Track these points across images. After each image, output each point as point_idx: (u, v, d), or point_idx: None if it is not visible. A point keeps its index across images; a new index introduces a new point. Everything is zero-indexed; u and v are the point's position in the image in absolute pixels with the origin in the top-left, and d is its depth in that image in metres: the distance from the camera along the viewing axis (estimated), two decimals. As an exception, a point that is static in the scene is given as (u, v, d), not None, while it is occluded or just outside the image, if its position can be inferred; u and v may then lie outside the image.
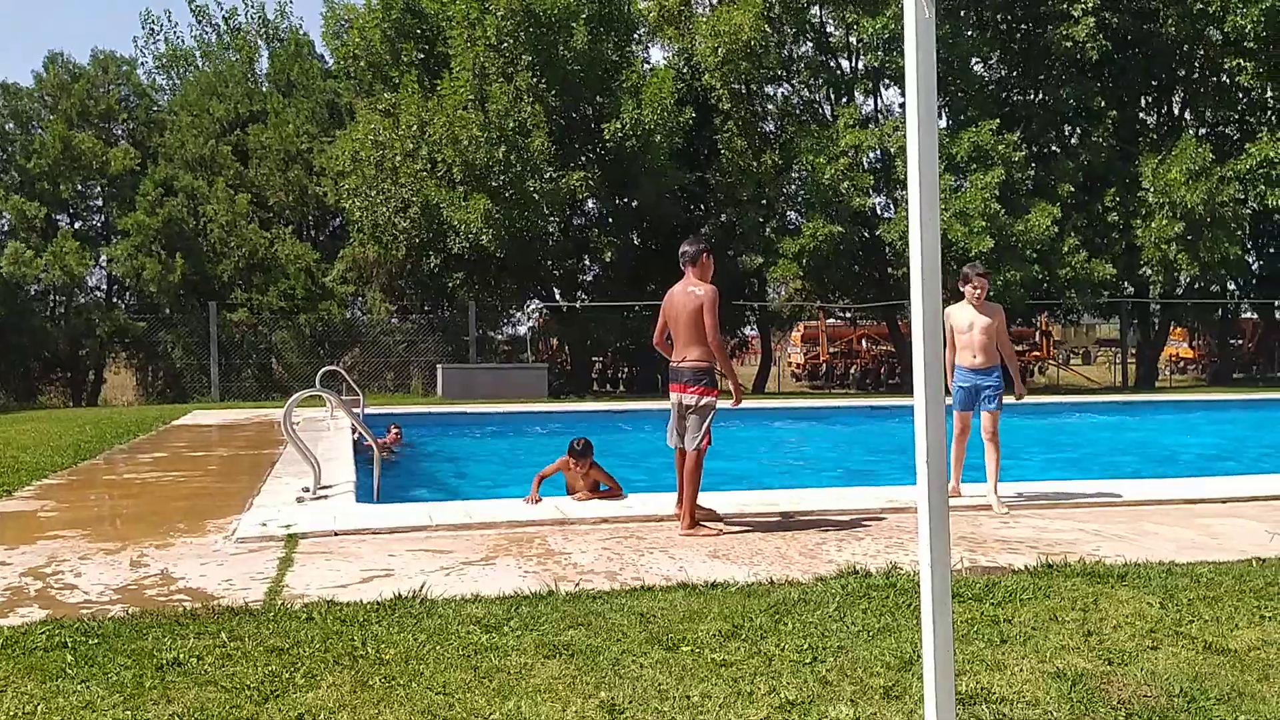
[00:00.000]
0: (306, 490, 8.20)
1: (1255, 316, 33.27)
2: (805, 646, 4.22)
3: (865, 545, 6.35)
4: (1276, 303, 30.85)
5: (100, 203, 32.10)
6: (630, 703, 3.61)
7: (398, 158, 23.08)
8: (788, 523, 7.14)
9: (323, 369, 17.99)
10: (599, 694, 3.68)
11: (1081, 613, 4.74)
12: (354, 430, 13.03)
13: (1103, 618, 4.66)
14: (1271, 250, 29.04)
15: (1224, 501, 7.91)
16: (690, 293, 7.04)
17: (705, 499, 7.31)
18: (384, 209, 23.28)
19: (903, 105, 27.13)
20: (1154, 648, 4.24)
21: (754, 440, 16.00)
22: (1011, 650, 4.21)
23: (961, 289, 7.85)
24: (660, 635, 4.34)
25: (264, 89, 32.35)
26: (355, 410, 11.64)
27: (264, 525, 6.86)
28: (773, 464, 13.67)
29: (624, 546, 6.32)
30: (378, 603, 4.87)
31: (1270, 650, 4.17)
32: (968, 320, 7.76)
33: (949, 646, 2.83)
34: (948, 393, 7.62)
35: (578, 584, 5.28)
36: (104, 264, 30.93)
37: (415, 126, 22.82)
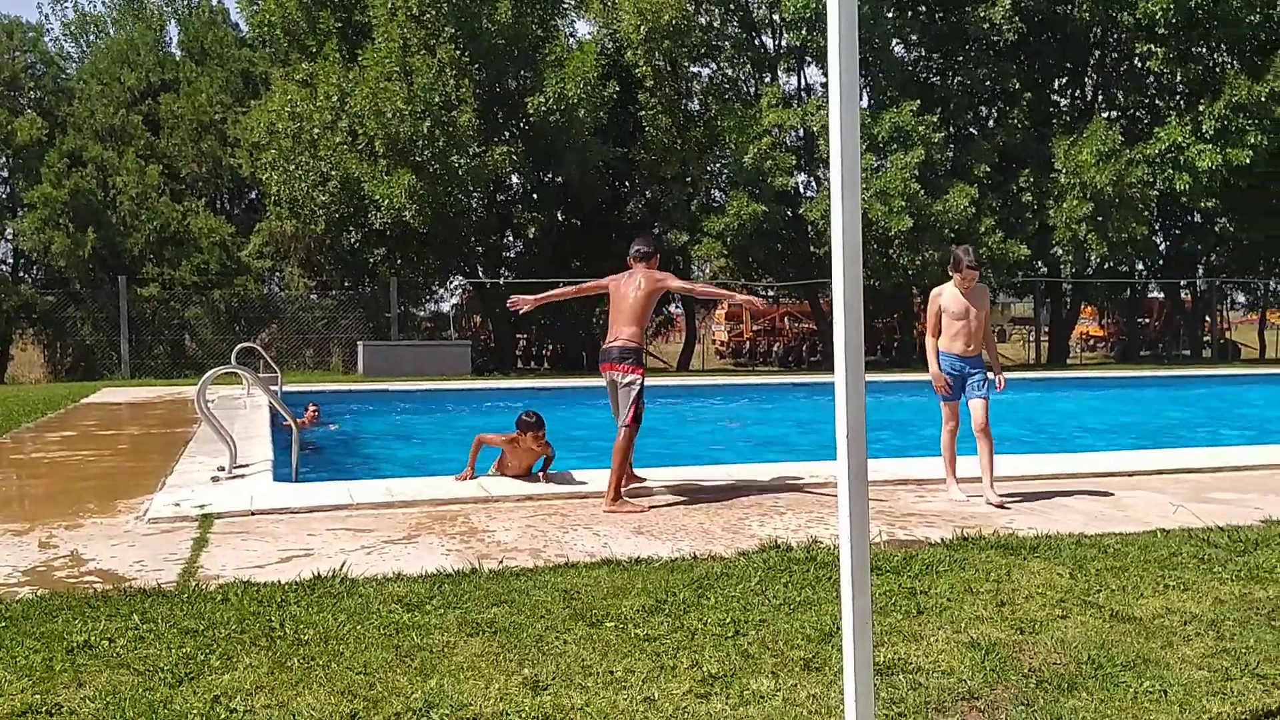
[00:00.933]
0: (222, 469, 8.03)
1: (1162, 296, 34.34)
2: (727, 620, 4.26)
3: (787, 520, 6.43)
4: (1182, 283, 31.88)
5: (5, 174, 30.93)
6: (554, 679, 3.61)
7: (316, 130, 22.61)
8: (711, 499, 7.19)
9: (239, 346, 17.60)
10: (522, 671, 3.68)
11: (995, 584, 4.85)
12: (272, 408, 12.80)
13: (1015, 588, 4.78)
14: (1177, 231, 29.97)
15: (1130, 475, 8.16)
16: (638, 284, 7.28)
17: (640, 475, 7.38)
18: (302, 182, 22.81)
19: (824, 85, 27.36)
20: (1063, 617, 4.36)
21: (678, 417, 16.08)
22: (928, 621, 4.31)
23: (952, 273, 7.28)
24: (584, 612, 4.35)
25: (176, 57, 31.43)
26: (273, 388, 11.41)
27: (177, 505, 6.70)
28: (696, 441, 13.76)
29: (548, 524, 6.31)
30: (296, 583, 4.79)
31: (1174, 618, 4.32)
32: (963, 306, 7.21)
33: (868, 619, 2.88)
34: (947, 385, 7.24)
35: (501, 561, 5.27)
36: (9, 237, 29.85)
37: (335, 98, 22.37)
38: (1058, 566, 5.16)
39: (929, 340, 7.36)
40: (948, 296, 7.27)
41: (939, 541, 5.76)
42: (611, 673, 3.68)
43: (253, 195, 31.01)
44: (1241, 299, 35.86)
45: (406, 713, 3.30)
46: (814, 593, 4.70)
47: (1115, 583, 4.86)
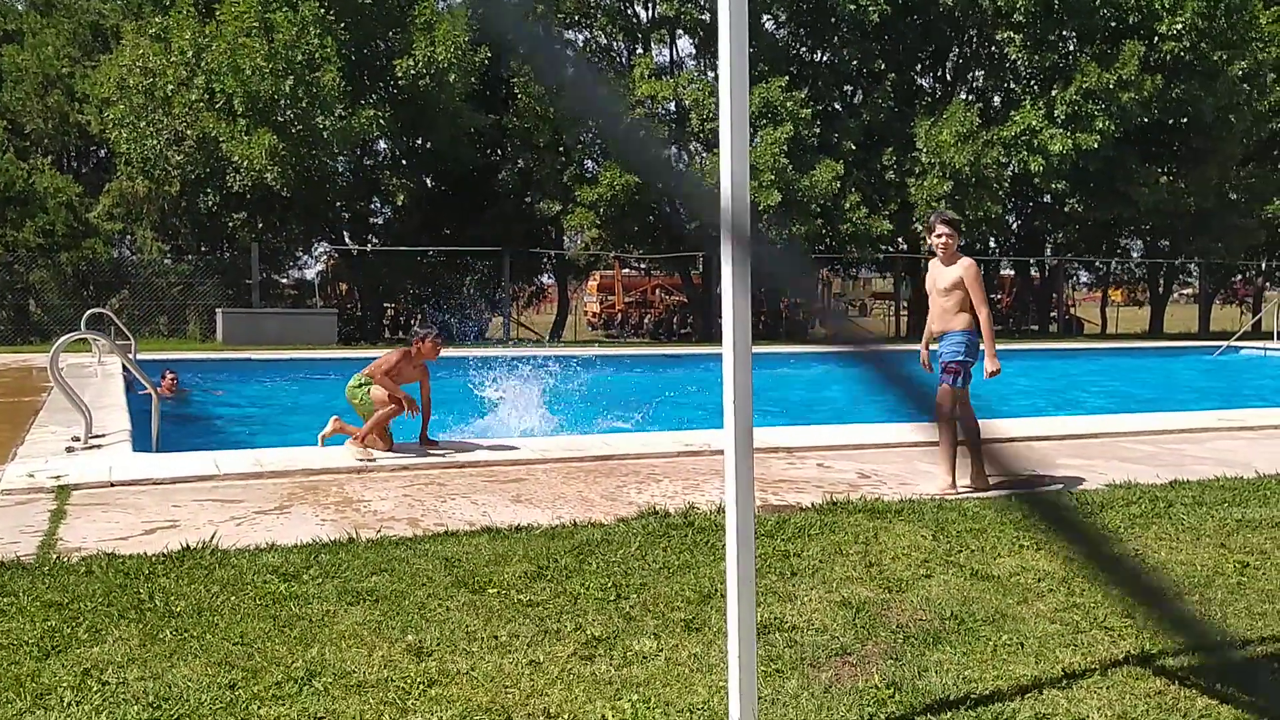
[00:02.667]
0: (77, 440, 7.69)
1: (1013, 272, 35.86)
2: (609, 585, 4.33)
3: (664, 487, 6.53)
4: (1031, 261, 33.35)
5: None
6: (438, 644, 3.61)
7: (170, 86, 21.60)
8: (588, 468, 7.24)
9: (89, 311, 16.80)
10: (406, 638, 3.66)
11: (863, 546, 5.05)
12: (127, 376, 12.28)
13: (882, 550, 4.98)
14: (1029, 211, 31.31)
15: (984, 443, 8.53)
16: None
17: (500, 446, 7.35)
18: (154, 141, 21.79)
19: (694, 58, 27.56)
20: (928, 576, 4.57)
21: (550, 388, 16.07)
22: (801, 582, 4.45)
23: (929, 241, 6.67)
24: (466, 579, 4.35)
25: (19, 7, 29.56)
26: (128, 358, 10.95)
27: (31, 476, 6.40)
28: (570, 410, 13.77)
29: (425, 493, 6.26)
30: (164, 554, 4.65)
31: (1028, 576, 4.57)
32: (931, 279, 6.66)
33: (751, 580, 2.97)
34: (926, 364, 6.75)
35: (379, 531, 5.21)
36: None
37: (190, 53, 21.40)
38: (921, 529, 5.39)
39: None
40: (929, 270, 6.71)
41: (810, 506, 5.95)
42: (496, 638, 3.70)
43: (101, 154, 29.47)
44: (1085, 277, 37.76)
45: (288, 681, 3.26)
46: (692, 557, 4.80)
47: (975, 543, 5.11)
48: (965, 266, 6.50)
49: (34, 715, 3.01)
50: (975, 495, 6.39)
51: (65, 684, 3.20)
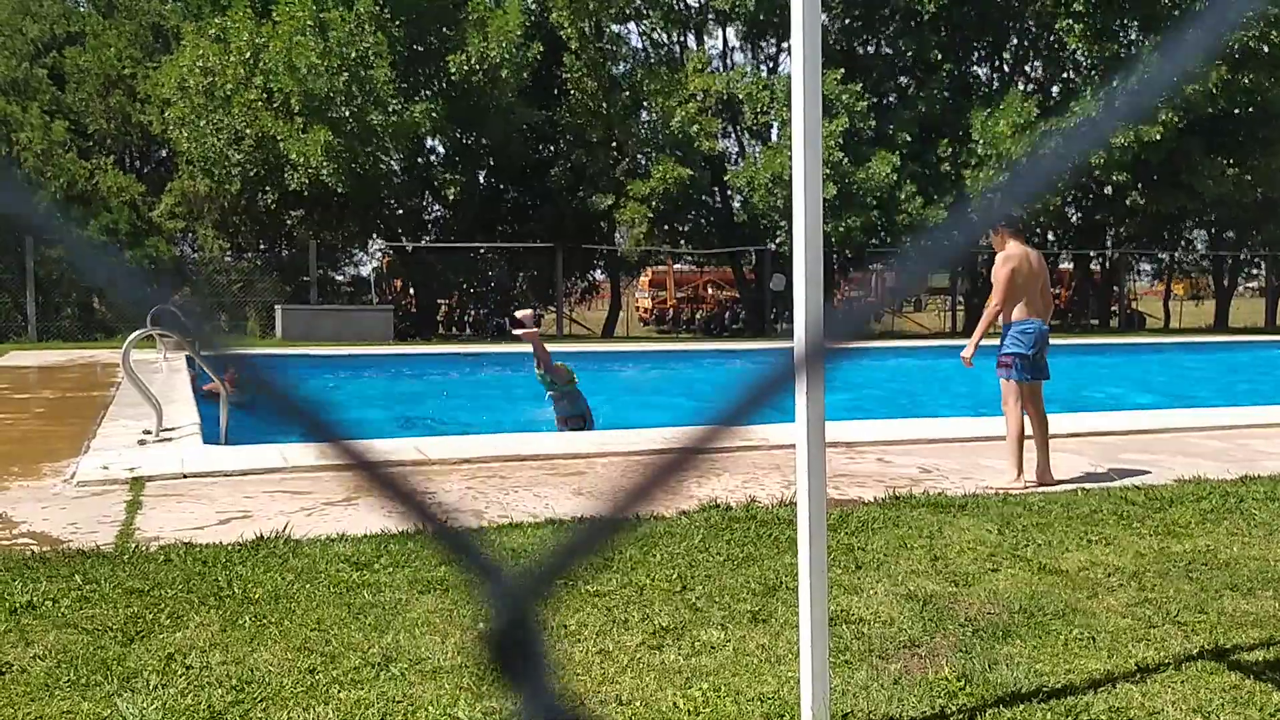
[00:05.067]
0: (148, 433, 7.88)
1: (1072, 266, 35.31)
2: (674, 576, 4.36)
3: (724, 481, 6.54)
4: (1092, 253, 32.82)
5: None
6: (509, 634, 3.66)
7: (229, 86, 21.98)
8: (648, 461, 7.26)
9: (154, 308, 17.14)
10: (477, 626, 3.72)
11: (928, 540, 5.03)
12: (193, 371, 12.54)
13: (947, 544, 4.96)
14: (1089, 203, 30.80)
15: (1050, 437, 8.44)
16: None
17: (561, 440, 7.41)
18: (215, 140, 22.20)
19: (743, 49, 27.45)
20: (994, 570, 4.55)
21: (606, 382, 16.15)
22: (866, 575, 4.45)
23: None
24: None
25: (82, 9, 30.24)
26: (202, 352, 11.18)
27: (105, 468, 6.57)
28: (626, 405, 13.83)
29: (488, 485, 6.33)
30: (239, 544, 4.76)
31: (1097, 570, 4.53)
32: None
33: (823, 571, 2.99)
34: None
35: (445, 522, 5.27)
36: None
37: (248, 53, 21.76)
38: (986, 523, 5.35)
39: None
40: None
41: (872, 501, 5.93)
42: (565, 626, 3.74)
43: (163, 153, 30.05)
44: (1147, 270, 37.05)
45: (365, 667, 3.33)
46: (755, 549, 4.81)
47: (1041, 538, 5.06)
48: (1001, 262, 6.42)
49: (123, 698, 3.10)
50: (1040, 490, 6.33)
51: (151, 668, 3.30)
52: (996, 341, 6.62)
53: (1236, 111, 26.37)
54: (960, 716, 3.09)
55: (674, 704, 3.12)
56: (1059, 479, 6.57)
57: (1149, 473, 6.84)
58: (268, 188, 22.98)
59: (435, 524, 0.54)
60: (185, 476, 6.43)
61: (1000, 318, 6.48)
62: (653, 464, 0.58)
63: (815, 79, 2.86)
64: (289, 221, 24.67)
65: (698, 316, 31.26)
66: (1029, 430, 6.58)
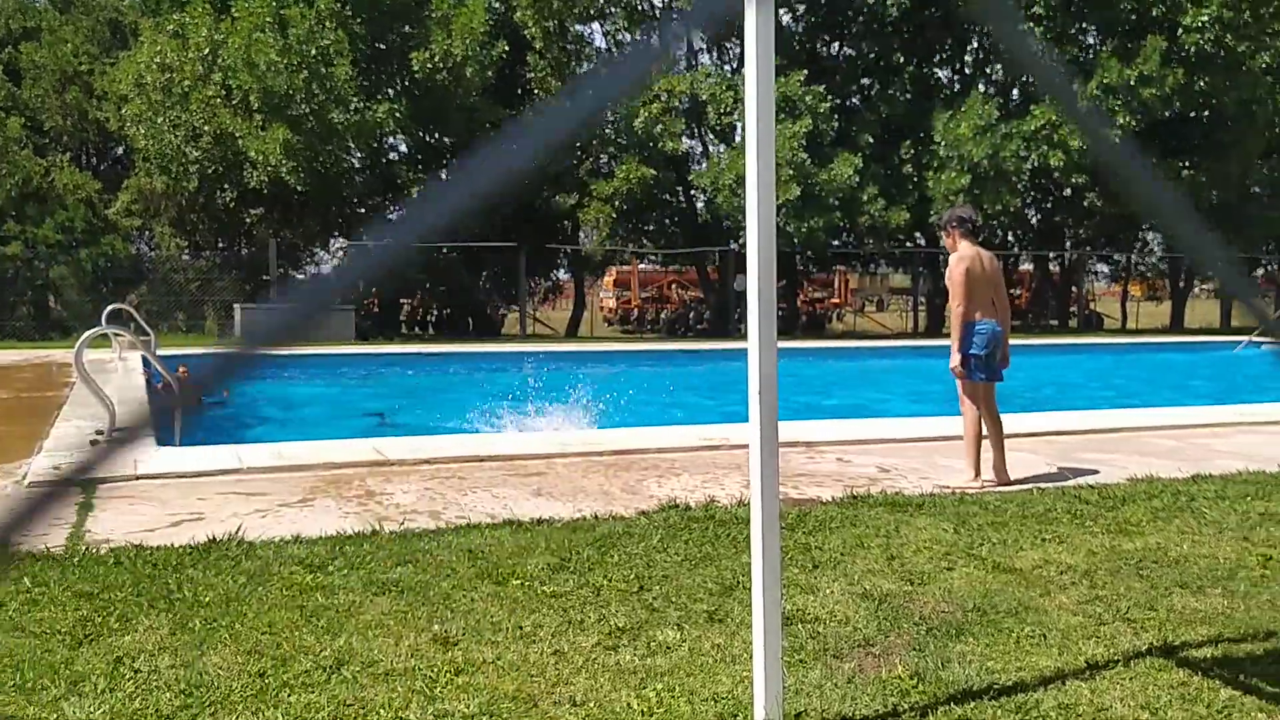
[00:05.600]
0: (100, 433, 7.76)
1: (1031, 267, 35.72)
2: (632, 576, 4.35)
3: (684, 481, 6.55)
4: (1050, 254, 33.20)
5: None
6: (464, 634, 3.64)
7: (187, 82, 21.73)
8: (608, 461, 7.27)
9: (109, 307, 16.92)
10: (432, 628, 3.70)
11: (885, 539, 5.05)
12: (148, 371, 12.39)
13: (903, 543, 4.99)
14: (1048, 205, 31.17)
15: (1005, 436, 8.52)
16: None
17: (520, 440, 7.38)
18: (172, 137, 21.94)
19: (707, 49, 27.50)
20: (949, 569, 4.58)
21: (569, 382, 16.10)
22: (823, 574, 4.47)
23: None
24: (489, 570, 4.38)
25: (38, 4, 29.77)
26: (151, 353, 11.04)
27: (57, 469, 6.47)
28: (590, 405, 13.80)
29: (446, 486, 6.30)
30: (191, 546, 4.70)
31: (1051, 569, 4.57)
32: None
33: (777, 570, 2.99)
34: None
35: (402, 523, 5.24)
36: None
37: (207, 50, 21.52)
38: (942, 522, 5.39)
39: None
40: None
41: (830, 500, 5.95)
42: (520, 628, 3.73)
43: (120, 150, 29.66)
44: (1105, 271, 37.56)
45: (317, 670, 3.30)
46: (713, 549, 4.82)
47: (996, 537, 5.11)
48: (954, 263, 6.47)
49: (69, 702, 3.05)
50: (997, 489, 6.39)
51: (99, 671, 3.25)
52: (947, 342, 6.66)
53: (1192, 115, 26.80)
54: (912, 715, 3.10)
55: (628, 705, 3.12)
56: (1015, 478, 6.63)
57: (1102, 472, 6.92)
58: (226, 185, 22.75)
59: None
60: (138, 478, 6.33)
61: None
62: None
63: (768, 83, 2.86)
64: (248, 220, 24.41)
65: (662, 316, 31.28)
66: (984, 430, 6.64)
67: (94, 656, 3.36)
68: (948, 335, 6.74)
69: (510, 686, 3.22)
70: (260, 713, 2.99)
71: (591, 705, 3.11)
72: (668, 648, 3.58)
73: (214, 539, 4.80)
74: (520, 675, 3.31)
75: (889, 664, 3.49)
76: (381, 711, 3.02)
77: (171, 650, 3.44)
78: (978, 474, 6.51)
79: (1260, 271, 37.90)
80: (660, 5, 27.13)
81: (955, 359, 6.50)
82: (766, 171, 2.86)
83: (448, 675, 3.29)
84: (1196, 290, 38.65)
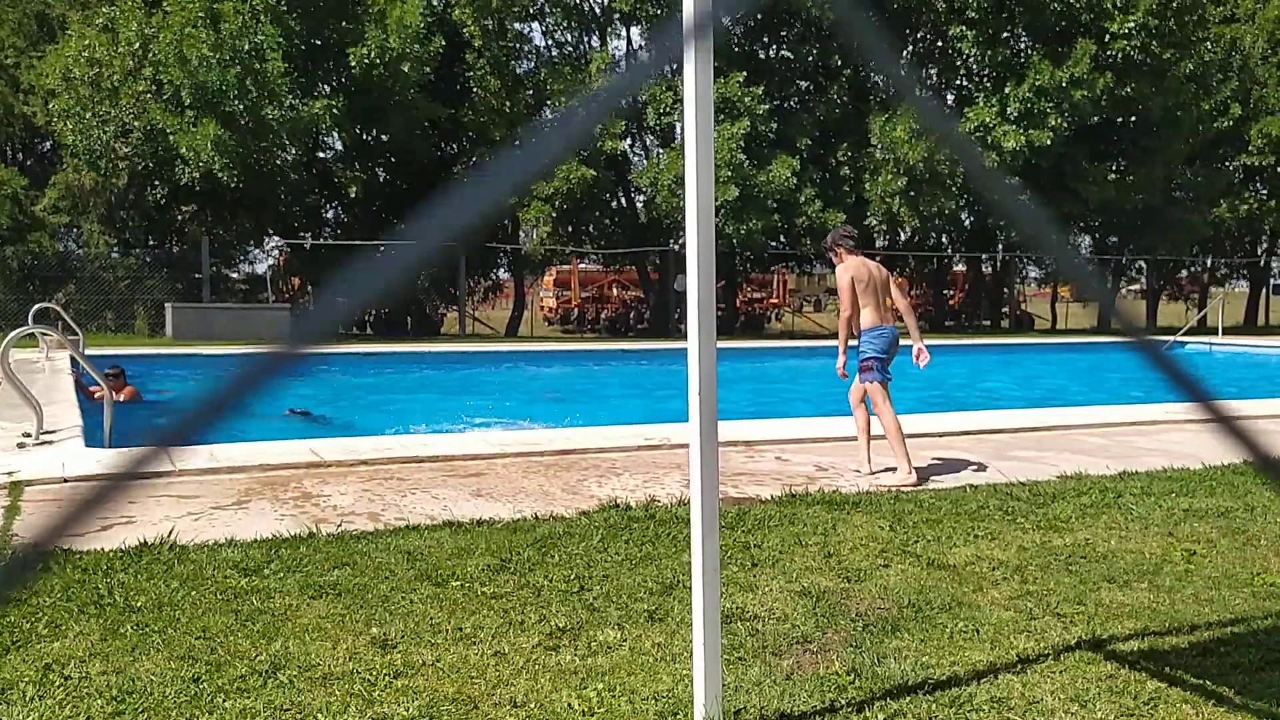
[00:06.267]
0: (28, 435, 7.57)
1: (965, 268, 36.31)
2: (572, 577, 4.35)
3: (624, 480, 6.56)
4: (984, 256, 33.78)
5: None
6: (403, 637, 3.62)
7: (116, 77, 21.27)
8: (548, 461, 7.26)
9: (36, 306, 16.51)
10: (370, 630, 3.67)
11: (822, 537, 5.11)
12: (76, 373, 12.11)
13: (840, 541, 5.05)
14: (980, 208, 31.71)
15: (940, 435, 8.68)
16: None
17: (459, 441, 7.34)
18: (101, 132, 21.46)
19: (645, 50, 27.55)
20: (885, 566, 4.65)
21: (509, 382, 16.05)
22: (762, 573, 4.51)
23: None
24: (429, 572, 4.35)
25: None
26: (80, 353, 10.79)
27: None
28: (528, 405, 13.78)
29: (384, 488, 6.24)
30: (121, 550, 4.60)
31: (983, 565, 4.66)
32: None
33: (716, 570, 3.02)
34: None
35: (339, 525, 5.19)
36: None
37: (137, 44, 21.08)
38: (878, 520, 5.47)
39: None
40: None
41: (769, 499, 6.01)
42: (460, 629, 3.71)
43: (47, 146, 28.93)
44: (1035, 273, 38.29)
45: (252, 675, 3.25)
46: (654, 548, 4.84)
47: (931, 534, 5.20)
48: (838, 273, 6.98)
49: (-6, 712, 2.98)
50: (931, 487, 6.50)
51: (27, 679, 3.17)
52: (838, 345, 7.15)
53: (1120, 120, 27.44)
54: (850, 710, 3.15)
55: (568, 705, 3.12)
56: (949, 475, 6.75)
57: (1033, 469, 7.07)
58: (157, 182, 22.33)
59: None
60: (66, 481, 6.19)
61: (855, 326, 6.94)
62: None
63: (707, 85, 2.89)
64: (180, 217, 23.96)
65: (602, 316, 31.29)
66: (876, 428, 6.98)
67: (22, 664, 3.28)
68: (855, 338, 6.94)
69: (450, 688, 3.21)
70: (195, 719, 2.95)
71: (532, 706, 3.11)
72: (608, 647, 3.59)
73: (145, 543, 4.71)
74: (460, 677, 3.30)
75: (826, 660, 3.53)
76: (319, 716, 2.99)
77: (103, 656, 3.37)
78: (911, 469, 6.67)
79: (1184, 274, 38.98)
80: (600, 6, 27.15)
81: (841, 361, 7.09)
82: (706, 173, 2.88)
83: (387, 678, 3.27)
84: (1123, 292, 39.57)
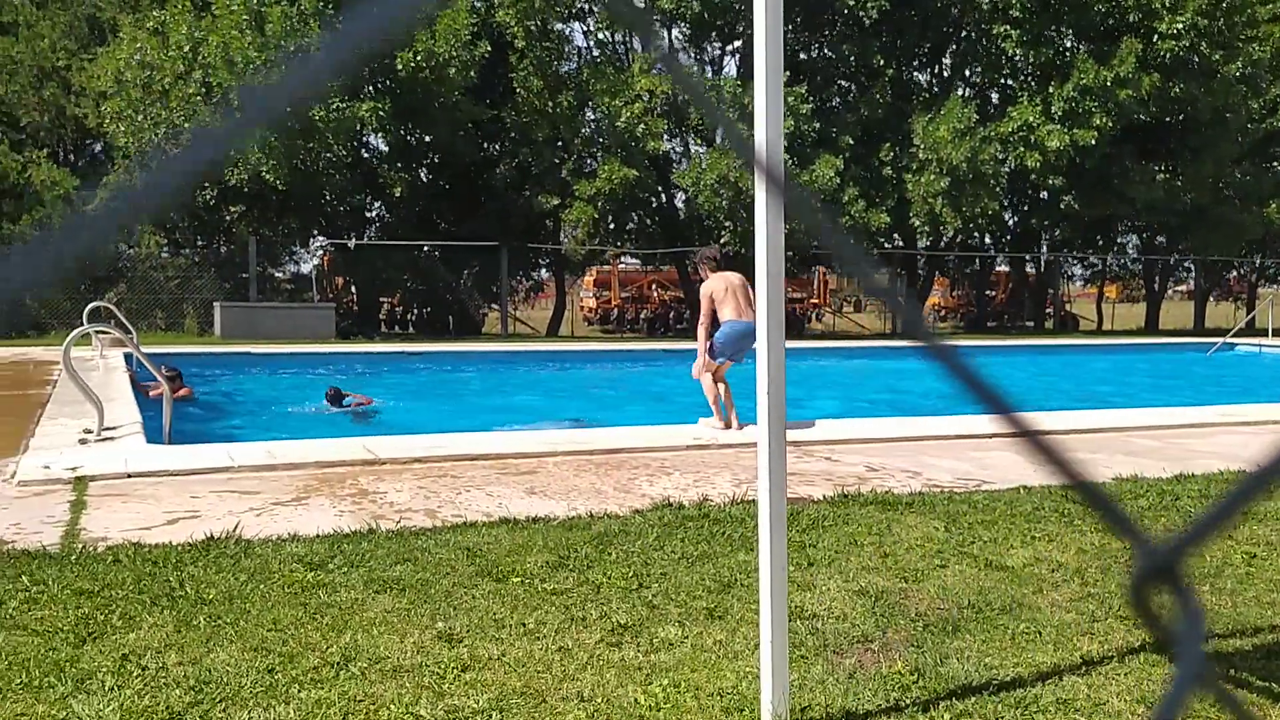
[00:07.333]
0: (89, 432, 7.73)
1: (1008, 269, 35.99)
2: (630, 574, 4.39)
3: (675, 480, 6.59)
4: (1027, 256, 33.47)
5: None
6: (468, 631, 3.67)
7: (167, 80, 21.61)
8: (599, 460, 7.30)
9: (91, 305, 16.80)
10: (435, 625, 3.72)
11: (877, 537, 5.12)
12: (133, 370, 12.34)
13: (896, 541, 5.05)
14: (1025, 208, 31.44)
15: (990, 437, 8.63)
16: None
17: (510, 439, 7.41)
18: (152, 134, 21.81)
19: (688, 48, 27.56)
20: (943, 566, 4.64)
21: (552, 381, 16.13)
22: (819, 572, 4.52)
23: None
24: (489, 568, 4.41)
25: (14, -2, 29.46)
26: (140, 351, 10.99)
27: (47, 468, 6.44)
28: (572, 403, 13.83)
29: (439, 485, 6.32)
30: (189, 544, 4.70)
31: (1042, 566, 4.65)
32: None
33: (784, 567, 3.04)
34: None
35: (398, 522, 5.26)
36: None
37: (187, 47, 21.41)
38: (933, 521, 5.46)
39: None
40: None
41: (821, 499, 6.01)
42: (524, 625, 3.76)
43: (98, 147, 29.42)
44: (1080, 273, 37.90)
45: (324, 666, 3.32)
46: (709, 547, 4.86)
47: (987, 535, 5.18)
48: (702, 289, 8.78)
49: (78, 699, 3.06)
50: (982, 488, 6.47)
51: (105, 669, 3.25)
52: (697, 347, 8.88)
53: (1168, 120, 27.09)
54: (915, 709, 3.16)
55: (635, 700, 3.15)
56: (1002, 477, 6.73)
57: (1089, 471, 7.00)
58: (206, 184, 22.62)
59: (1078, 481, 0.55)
60: (129, 476, 6.32)
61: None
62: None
63: (777, 88, 2.91)
64: (228, 218, 24.28)
65: (642, 316, 31.33)
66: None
67: (99, 654, 3.37)
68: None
69: (517, 682, 3.26)
70: (271, 708, 3.01)
71: (599, 700, 3.15)
72: (670, 644, 3.62)
73: (212, 537, 4.80)
74: (527, 671, 3.35)
75: (889, 660, 3.54)
76: (392, 707, 3.05)
77: (178, 647, 3.45)
78: (725, 423, 8.53)
79: (1233, 274, 38.40)
80: (642, 5, 27.15)
81: (699, 364, 8.73)
82: (775, 174, 2.90)
83: (455, 671, 3.32)
84: (1171, 292, 39.08)
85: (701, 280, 8.90)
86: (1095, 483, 0.54)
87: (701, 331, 8.65)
